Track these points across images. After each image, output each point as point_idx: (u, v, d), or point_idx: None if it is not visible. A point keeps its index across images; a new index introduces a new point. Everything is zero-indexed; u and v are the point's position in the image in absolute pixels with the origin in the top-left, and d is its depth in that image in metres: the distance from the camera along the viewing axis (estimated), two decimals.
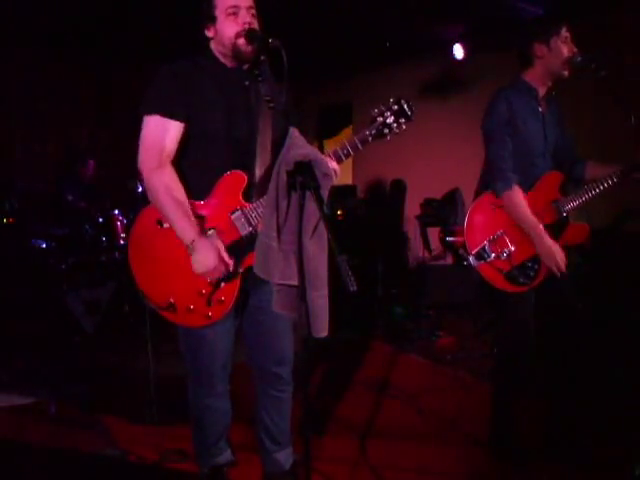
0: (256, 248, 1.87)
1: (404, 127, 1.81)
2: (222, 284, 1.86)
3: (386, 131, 1.81)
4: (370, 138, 1.83)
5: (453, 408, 2.99)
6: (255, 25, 1.82)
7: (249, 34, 1.79)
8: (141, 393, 3.21)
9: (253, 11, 1.82)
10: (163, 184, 1.77)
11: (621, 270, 4.16)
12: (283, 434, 2.12)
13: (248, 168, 1.85)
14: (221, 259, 1.78)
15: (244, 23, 1.79)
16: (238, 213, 1.84)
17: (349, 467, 2.42)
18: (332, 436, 2.70)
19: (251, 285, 1.95)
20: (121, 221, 4.85)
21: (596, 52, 2.24)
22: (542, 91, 2.38)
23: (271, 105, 1.89)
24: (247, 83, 1.88)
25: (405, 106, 1.81)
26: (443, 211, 5.46)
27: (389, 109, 1.82)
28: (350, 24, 5.54)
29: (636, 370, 3.37)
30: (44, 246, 4.65)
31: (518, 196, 2.30)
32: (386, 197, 6.69)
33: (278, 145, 1.79)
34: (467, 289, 4.79)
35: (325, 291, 1.75)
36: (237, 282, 1.88)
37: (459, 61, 5.93)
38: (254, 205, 1.84)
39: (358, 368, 3.76)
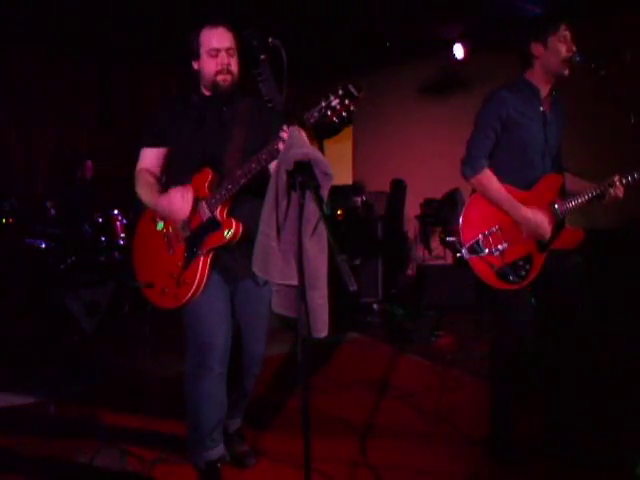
0: (255, 248, 1.88)
1: (352, 108, 1.75)
2: (189, 265, 2.10)
3: (329, 112, 1.76)
4: (312, 120, 1.79)
5: (453, 408, 2.99)
6: (233, 64, 2.11)
7: (249, 34, 1.85)
8: (141, 393, 3.21)
9: (232, 51, 2.10)
10: (137, 180, 2.23)
11: (621, 270, 4.16)
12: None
13: (216, 166, 2.12)
14: (180, 199, 2.04)
15: (222, 64, 2.08)
16: (202, 202, 2.09)
17: (349, 467, 2.43)
18: (332, 436, 2.70)
19: (234, 292, 2.24)
20: (120, 221, 4.85)
21: (596, 52, 2.23)
22: (545, 90, 2.35)
23: (270, 105, 1.90)
24: (224, 109, 2.18)
25: (351, 88, 1.75)
26: (443, 211, 5.47)
27: (334, 93, 1.77)
28: (350, 24, 5.55)
29: (636, 370, 3.37)
30: (43, 246, 4.65)
31: (487, 177, 2.32)
32: (386, 197, 6.69)
33: (252, 141, 2.10)
34: (467, 289, 4.79)
35: (325, 291, 1.75)
36: (198, 264, 2.09)
37: (459, 61, 5.93)
38: (214, 194, 2.06)
39: (358, 368, 3.76)
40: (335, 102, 1.73)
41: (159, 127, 2.23)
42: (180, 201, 2.04)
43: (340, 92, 1.73)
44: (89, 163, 5.43)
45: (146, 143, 2.26)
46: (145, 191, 2.19)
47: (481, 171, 2.33)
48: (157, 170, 2.27)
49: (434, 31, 5.80)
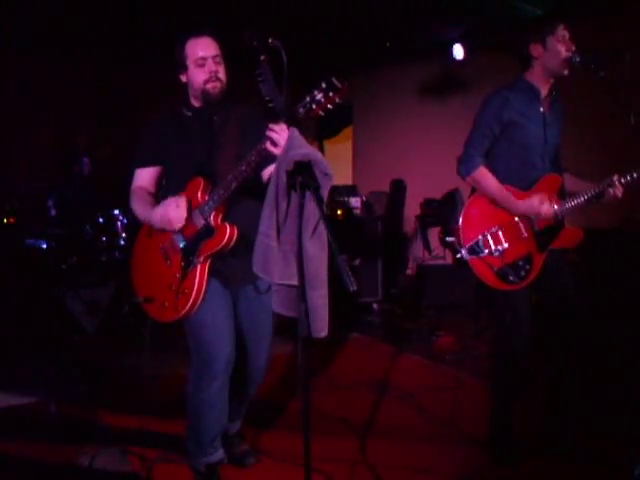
0: (255, 248, 1.88)
1: (338, 100, 1.76)
2: (186, 274, 2.07)
3: (314, 106, 1.77)
4: (298, 115, 1.81)
5: (453, 408, 2.99)
6: (221, 71, 2.12)
7: (249, 34, 1.85)
8: (141, 393, 3.21)
9: (219, 59, 2.12)
10: (132, 197, 2.24)
11: (620, 270, 4.16)
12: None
13: (208, 173, 2.11)
14: (174, 207, 2.05)
15: (210, 71, 2.09)
16: (195, 210, 2.08)
17: (349, 467, 2.43)
18: (332, 436, 2.70)
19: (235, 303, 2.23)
20: (121, 221, 4.85)
21: (595, 52, 2.23)
22: (544, 91, 2.36)
23: (270, 105, 1.90)
24: (215, 118, 2.17)
25: (334, 81, 1.77)
26: (443, 211, 5.46)
27: (317, 87, 1.78)
28: (350, 24, 5.55)
29: (636, 370, 3.37)
30: (44, 246, 4.65)
31: (482, 174, 2.33)
32: (386, 197, 6.69)
33: (245, 149, 1.98)
34: (467, 289, 4.79)
35: (325, 291, 1.76)
36: (196, 273, 2.06)
37: (459, 61, 5.93)
38: (207, 201, 2.06)
39: (358, 368, 3.76)
40: (319, 96, 1.74)
41: (150, 147, 2.24)
42: (175, 209, 2.05)
43: (323, 85, 1.74)
44: (86, 159, 5.40)
45: (138, 163, 2.27)
46: (139, 207, 2.19)
47: (476, 169, 2.33)
48: (152, 188, 2.29)
49: (434, 31, 5.80)
